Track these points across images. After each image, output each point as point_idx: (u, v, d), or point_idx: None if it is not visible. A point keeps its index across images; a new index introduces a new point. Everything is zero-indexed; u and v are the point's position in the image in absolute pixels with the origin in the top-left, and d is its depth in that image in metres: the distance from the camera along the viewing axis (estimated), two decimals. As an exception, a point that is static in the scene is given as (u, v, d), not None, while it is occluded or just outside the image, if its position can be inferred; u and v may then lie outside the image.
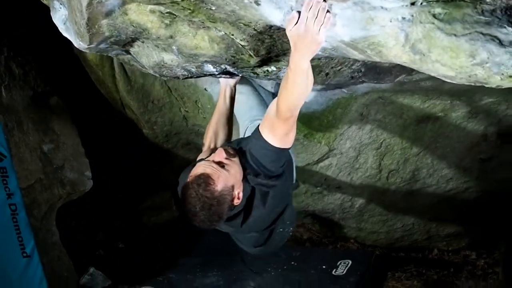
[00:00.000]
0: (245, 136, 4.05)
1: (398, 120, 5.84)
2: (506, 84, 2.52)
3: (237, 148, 3.55)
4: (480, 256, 7.44)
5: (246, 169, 3.35)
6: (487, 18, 2.37)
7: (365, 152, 6.29)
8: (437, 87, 5.15)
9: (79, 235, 6.74)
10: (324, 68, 3.79)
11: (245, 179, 3.34)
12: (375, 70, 3.96)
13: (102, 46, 3.76)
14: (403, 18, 2.52)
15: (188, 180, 3.25)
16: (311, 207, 7.29)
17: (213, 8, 2.94)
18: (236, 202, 3.29)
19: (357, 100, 5.28)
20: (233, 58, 3.49)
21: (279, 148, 3.24)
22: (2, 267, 5.15)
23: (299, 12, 2.64)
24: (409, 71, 4.13)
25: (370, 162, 6.41)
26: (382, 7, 2.52)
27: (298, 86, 2.94)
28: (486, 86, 2.66)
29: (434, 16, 2.45)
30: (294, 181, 3.98)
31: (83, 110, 6.67)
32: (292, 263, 6.81)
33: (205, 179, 3.12)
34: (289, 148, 3.39)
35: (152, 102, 6.03)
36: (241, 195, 3.31)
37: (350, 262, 6.51)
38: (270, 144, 3.21)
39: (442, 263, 7.49)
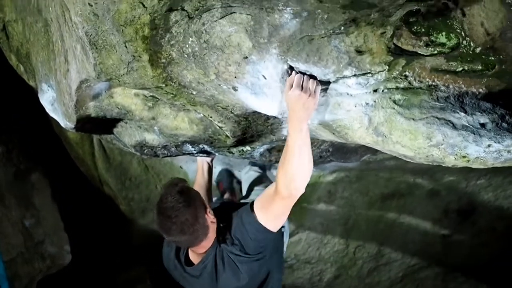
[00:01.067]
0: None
1: (365, 197, 6.05)
2: (460, 163, 2.73)
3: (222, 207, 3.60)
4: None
5: (223, 235, 3.29)
6: (441, 104, 2.59)
7: (333, 227, 6.43)
8: (400, 166, 5.39)
9: None
10: None
11: (218, 241, 3.29)
12: (342, 150, 4.14)
13: (87, 126, 3.90)
14: (367, 104, 2.74)
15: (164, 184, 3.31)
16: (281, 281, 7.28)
17: (194, 92, 3.13)
18: (209, 216, 3.22)
19: (325, 178, 5.48)
20: (210, 138, 3.65)
21: (265, 228, 3.14)
22: None
23: (295, 76, 2.75)
24: (374, 151, 4.35)
25: (337, 237, 6.54)
26: (348, 94, 2.74)
27: (297, 155, 2.84)
28: (443, 165, 2.87)
29: (394, 102, 2.67)
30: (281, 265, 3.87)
31: (63, 186, 6.76)
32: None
33: (180, 182, 3.18)
34: (274, 232, 3.22)
35: (130, 179, 6.16)
36: (212, 217, 3.25)
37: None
38: (257, 221, 3.14)
39: None
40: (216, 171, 5.47)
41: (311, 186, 5.56)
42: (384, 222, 6.31)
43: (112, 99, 3.59)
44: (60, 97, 3.75)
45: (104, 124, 3.99)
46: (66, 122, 3.91)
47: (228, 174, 5.56)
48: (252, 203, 3.23)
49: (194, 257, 3.39)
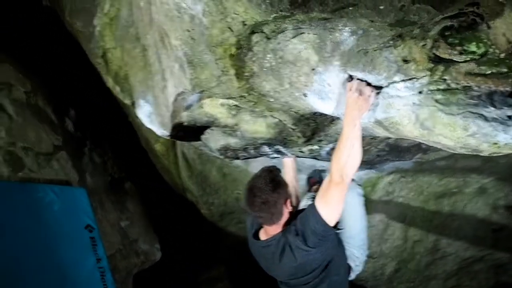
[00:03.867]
0: None
1: (420, 196, 6.32)
2: (492, 150, 3.14)
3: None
4: (498, 319, 7.55)
5: (291, 226, 3.47)
6: (475, 101, 2.98)
7: (392, 225, 6.69)
8: (450, 166, 5.69)
9: None
10: None
11: (284, 230, 3.50)
12: (397, 149, 4.45)
13: (180, 134, 4.38)
14: (414, 103, 3.15)
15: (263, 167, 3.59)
16: None
17: (271, 100, 3.58)
18: (286, 208, 3.47)
19: (384, 179, 5.76)
20: (284, 140, 4.06)
21: (324, 221, 3.31)
22: None
23: (353, 82, 3.16)
24: (425, 150, 4.68)
25: (397, 233, 6.78)
26: (397, 96, 3.16)
27: (349, 147, 3.19)
28: (479, 153, 3.30)
29: (436, 101, 3.07)
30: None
31: (151, 193, 7.24)
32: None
33: (275, 168, 3.51)
34: (332, 229, 3.42)
35: (210, 186, 6.54)
36: (289, 206, 3.50)
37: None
38: (318, 212, 3.30)
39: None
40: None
41: (372, 187, 5.82)
42: (438, 219, 6.48)
43: (202, 109, 4.05)
44: (157, 109, 4.24)
45: (194, 132, 4.43)
46: (162, 131, 4.38)
47: (319, 171, 5.85)
48: (313, 203, 3.41)
49: (262, 235, 3.71)
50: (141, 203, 6.83)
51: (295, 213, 3.59)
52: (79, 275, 5.60)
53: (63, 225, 5.65)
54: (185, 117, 4.16)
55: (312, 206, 3.35)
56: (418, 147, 4.57)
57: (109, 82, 5.18)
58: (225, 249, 7.62)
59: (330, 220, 3.33)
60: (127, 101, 4.89)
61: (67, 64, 6.77)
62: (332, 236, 3.55)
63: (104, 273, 5.75)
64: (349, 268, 3.95)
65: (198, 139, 4.61)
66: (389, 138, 4.07)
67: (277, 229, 3.52)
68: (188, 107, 4.03)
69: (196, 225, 7.48)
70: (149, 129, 5.82)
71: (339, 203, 3.39)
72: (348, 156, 3.19)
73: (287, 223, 3.53)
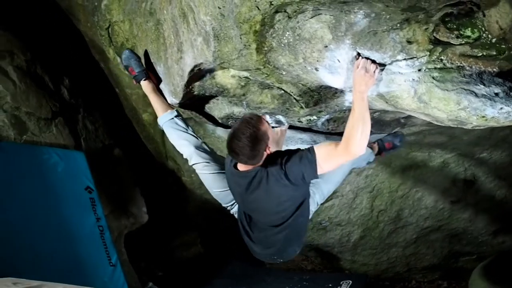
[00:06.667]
0: None
1: (388, 168, 6.70)
2: (480, 122, 3.50)
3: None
4: (450, 285, 8.08)
5: (274, 162, 3.62)
6: (467, 79, 3.35)
7: (360, 194, 7.08)
8: (418, 141, 6.06)
9: (139, 258, 7.38)
10: (345, 119, 4.68)
11: (265, 165, 3.65)
12: (380, 123, 4.74)
13: (187, 102, 4.67)
14: (413, 79, 3.50)
15: (245, 115, 3.78)
16: (315, 241, 7.89)
17: (284, 73, 3.88)
18: (267, 152, 3.57)
19: None
20: (287, 110, 4.37)
21: (316, 169, 3.52)
22: (95, 272, 5.86)
23: (361, 60, 3.44)
24: (402, 124, 5.00)
25: (364, 203, 7.17)
26: (399, 72, 3.51)
27: (361, 119, 3.38)
28: (466, 126, 3.68)
29: (433, 78, 3.43)
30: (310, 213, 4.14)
31: (135, 160, 7.46)
32: (304, 283, 7.48)
33: (258, 117, 3.58)
34: (317, 176, 3.62)
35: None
36: (271, 150, 3.61)
37: (351, 282, 7.21)
38: (315, 162, 3.49)
39: (419, 292, 8.08)
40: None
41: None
42: (402, 190, 6.88)
43: (214, 80, 4.34)
44: (168, 79, 4.49)
45: (200, 101, 4.75)
46: (172, 99, 4.65)
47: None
48: (313, 148, 3.56)
49: (241, 167, 3.79)
50: (128, 168, 7.04)
51: (278, 152, 3.77)
52: (81, 233, 5.85)
53: (66, 186, 5.86)
54: (196, 87, 4.44)
55: (311, 155, 3.53)
56: (398, 122, 4.92)
57: (110, 53, 5.41)
58: (198, 215, 7.87)
59: (321, 172, 3.56)
60: (126, 72, 5.14)
61: (60, 37, 6.95)
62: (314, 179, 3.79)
63: (103, 231, 5.99)
64: (309, 212, 4.08)
65: (202, 108, 4.90)
66: (375, 112, 4.37)
67: (255, 166, 3.69)
68: (201, 77, 4.31)
69: (176, 192, 7.69)
70: (139, 99, 6.10)
71: (339, 165, 3.73)
72: (362, 133, 3.38)
73: (266, 160, 3.68)
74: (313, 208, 4.16)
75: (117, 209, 6.62)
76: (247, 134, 3.47)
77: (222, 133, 6.28)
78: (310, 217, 4.18)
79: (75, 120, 6.46)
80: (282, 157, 3.62)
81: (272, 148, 3.66)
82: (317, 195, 4.19)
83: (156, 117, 4.86)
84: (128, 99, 6.65)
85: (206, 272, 8.09)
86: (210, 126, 5.96)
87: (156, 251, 7.95)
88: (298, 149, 3.68)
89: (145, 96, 5.04)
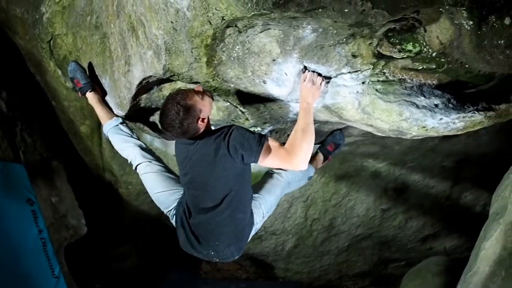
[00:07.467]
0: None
1: (321, 178, 6.82)
2: (421, 132, 3.68)
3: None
4: (380, 292, 8.17)
5: (218, 135, 3.64)
6: (408, 91, 3.51)
7: (295, 204, 7.17)
8: (352, 151, 6.21)
9: (78, 269, 7.30)
10: (287, 131, 4.80)
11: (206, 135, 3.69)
12: (318, 134, 4.80)
13: (133, 114, 4.66)
14: (357, 92, 3.63)
15: (170, 92, 3.78)
16: (250, 250, 7.95)
17: (232, 86, 3.94)
18: (201, 124, 3.61)
19: None
20: (232, 122, 4.41)
21: (255, 159, 3.53)
22: (39, 285, 5.76)
23: (307, 73, 3.53)
24: None
25: (299, 212, 7.26)
26: (344, 85, 3.64)
27: (306, 130, 3.49)
28: (406, 136, 3.83)
29: (376, 90, 3.57)
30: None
31: (73, 172, 7.40)
32: (241, 292, 7.48)
33: (183, 92, 3.56)
34: (251, 160, 3.59)
35: (130, 166, 6.82)
36: (205, 121, 3.63)
37: (286, 291, 7.27)
38: (257, 152, 3.51)
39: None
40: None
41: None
42: (335, 199, 7.02)
43: (161, 92, 4.38)
44: (115, 91, 4.48)
45: (145, 113, 4.76)
46: (118, 111, 4.65)
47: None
48: (267, 136, 3.60)
49: None
50: (66, 180, 6.97)
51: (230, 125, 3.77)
52: (24, 246, 5.74)
53: (8, 199, 5.76)
54: (143, 99, 4.45)
55: (263, 139, 3.55)
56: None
57: (50, 66, 5.36)
58: (136, 226, 7.85)
59: (260, 162, 3.56)
60: (68, 84, 5.11)
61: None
62: (249, 167, 3.81)
63: (45, 243, 5.91)
64: (252, 219, 4.04)
65: (146, 120, 4.91)
66: (316, 123, 4.48)
67: (195, 136, 3.72)
68: (148, 90, 4.33)
69: (113, 203, 7.66)
70: (76, 112, 6.08)
71: (274, 166, 3.91)
72: (307, 143, 3.49)
73: (208, 132, 3.75)
74: (258, 219, 4.16)
75: (57, 221, 6.54)
76: (173, 111, 3.51)
77: (160, 145, 6.31)
78: (255, 227, 4.20)
79: (13, 133, 6.36)
80: (229, 128, 3.64)
81: (205, 120, 3.68)
82: (263, 205, 4.20)
83: (93, 129, 4.85)
84: (65, 112, 6.60)
85: (143, 283, 8.05)
86: (148, 137, 5.98)
87: (94, 263, 7.87)
88: (249, 130, 3.70)
89: (82, 108, 5.05)
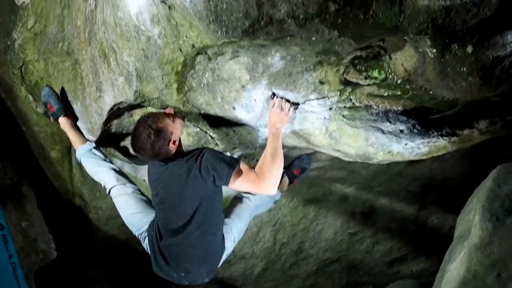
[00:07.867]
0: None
1: (290, 203, 6.82)
2: (387, 157, 3.74)
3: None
4: (349, 316, 8.15)
5: (190, 157, 3.66)
6: (374, 117, 3.58)
7: (264, 228, 7.14)
8: (320, 176, 6.24)
9: None
10: (256, 156, 4.84)
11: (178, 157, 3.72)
12: (286, 159, 4.92)
13: (104, 139, 4.67)
14: (325, 118, 3.69)
15: (142, 115, 3.72)
16: (220, 274, 7.84)
17: (202, 111, 3.98)
18: (172, 146, 3.65)
19: None
20: (201, 147, 4.47)
21: (230, 174, 3.51)
22: None
23: (276, 99, 3.59)
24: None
25: (267, 236, 7.22)
26: (311, 111, 3.69)
27: (275, 154, 3.55)
28: (372, 161, 3.90)
29: (343, 116, 3.63)
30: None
31: (43, 197, 7.36)
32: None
33: (154, 115, 3.59)
34: (222, 183, 3.58)
35: (100, 191, 6.73)
36: (176, 143, 3.68)
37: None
38: (228, 175, 3.51)
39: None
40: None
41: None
42: (304, 223, 7.01)
43: (132, 118, 4.40)
44: (86, 117, 4.47)
45: (116, 138, 4.76)
46: (89, 136, 4.65)
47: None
48: (239, 160, 3.64)
49: None
50: (36, 206, 6.94)
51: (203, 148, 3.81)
52: (-6, 270, 5.72)
53: (-23, 223, 5.74)
54: (114, 124, 4.46)
55: (235, 162, 3.57)
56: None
57: (22, 91, 5.36)
58: (105, 251, 7.80)
59: (230, 185, 3.56)
60: (39, 110, 5.11)
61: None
62: (220, 190, 3.81)
63: (15, 268, 5.85)
64: (224, 243, 4.06)
65: (117, 144, 4.90)
66: (284, 148, 4.52)
67: (168, 158, 3.75)
68: (119, 116, 4.33)
69: (82, 228, 7.62)
70: (47, 137, 6.08)
71: (243, 190, 3.94)
72: (276, 168, 3.54)
73: (180, 154, 3.79)
74: (229, 243, 4.18)
75: (27, 246, 6.49)
76: (144, 134, 3.54)
77: (130, 170, 6.31)
78: (227, 252, 4.24)
79: (-19, 159, 6.34)
80: (202, 151, 3.67)
81: (176, 142, 3.73)
82: (234, 230, 4.21)
83: (63, 154, 4.83)
84: (35, 137, 6.57)
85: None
86: (118, 162, 5.98)
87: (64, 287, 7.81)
88: (222, 153, 3.76)
89: (53, 134, 5.03)
